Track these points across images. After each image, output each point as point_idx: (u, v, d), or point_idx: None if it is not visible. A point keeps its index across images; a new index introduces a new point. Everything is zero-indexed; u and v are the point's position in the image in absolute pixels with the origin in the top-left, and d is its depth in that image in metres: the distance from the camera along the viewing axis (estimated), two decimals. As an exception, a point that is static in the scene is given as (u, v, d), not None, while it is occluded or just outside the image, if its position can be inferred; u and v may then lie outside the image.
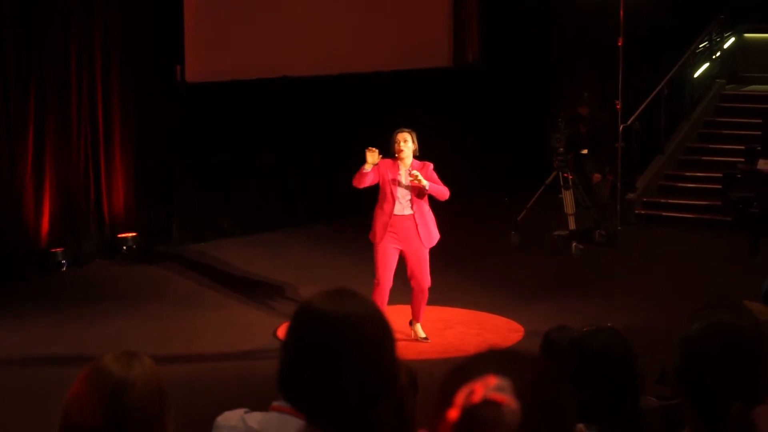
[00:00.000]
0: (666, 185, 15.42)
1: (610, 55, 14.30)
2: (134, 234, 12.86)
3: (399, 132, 9.57)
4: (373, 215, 9.69)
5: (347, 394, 2.23)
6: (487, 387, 1.65)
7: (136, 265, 12.52)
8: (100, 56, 12.45)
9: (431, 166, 9.56)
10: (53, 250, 12.18)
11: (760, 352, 2.49)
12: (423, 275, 9.62)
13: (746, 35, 17.40)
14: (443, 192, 9.51)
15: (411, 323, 9.93)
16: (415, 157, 9.56)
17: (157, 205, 13.24)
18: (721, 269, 12.33)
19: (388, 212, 9.53)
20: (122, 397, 2.62)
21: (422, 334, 9.94)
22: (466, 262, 12.57)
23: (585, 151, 13.76)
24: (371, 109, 14.50)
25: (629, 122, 14.65)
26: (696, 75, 16.43)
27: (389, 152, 9.56)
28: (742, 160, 14.28)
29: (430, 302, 10.00)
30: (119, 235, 12.78)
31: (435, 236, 9.65)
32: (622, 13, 13.82)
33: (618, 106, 14.05)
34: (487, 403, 1.64)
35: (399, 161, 9.53)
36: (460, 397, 1.66)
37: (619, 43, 13.80)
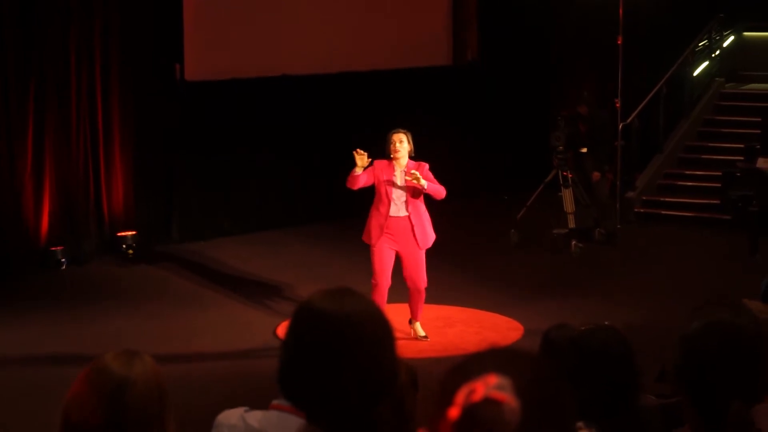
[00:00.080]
0: (665, 184, 15.42)
1: (609, 55, 14.32)
2: (134, 233, 12.88)
3: (394, 132, 9.52)
4: (367, 216, 9.68)
5: (347, 392, 2.23)
6: (488, 386, 1.65)
7: (135, 264, 12.53)
8: (99, 56, 12.46)
9: (427, 166, 9.52)
10: (53, 249, 12.20)
11: (760, 351, 2.49)
12: (419, 276, 9.60)
13: (745, 34, 17.39)
14: (440, 191, 9.47)
15: (410, 322, 9.92)
16: (410, 157, 9.52)
17: (156, 204, 13.24)
18: (720, 268, 12.32)
19: (383, 214, 9.49)
20: (123, 397, 2.62)
21: (422, 333, 9.93)
22: (465, 260, 12.56)
23: (584, 150, 13.76)
24: (371, 107, 14.50)
25: (629, 120, 14.66)
26: (695, 73, 16.42)
27: (385, 152, 9.55)
28: (742, 158, 14.29)
29: (430, 301, 9.99)
30: (119, 234, 12.80)
31: (431, 237, 9.62)
32: (621, 11, 13.82)
33: (618, 105, 14.05)
34: (488, 402, 1.65)
35: (394, 162, 9.49)
36: (461, 396, 1.67)
37: (619, 42, 13.81)
